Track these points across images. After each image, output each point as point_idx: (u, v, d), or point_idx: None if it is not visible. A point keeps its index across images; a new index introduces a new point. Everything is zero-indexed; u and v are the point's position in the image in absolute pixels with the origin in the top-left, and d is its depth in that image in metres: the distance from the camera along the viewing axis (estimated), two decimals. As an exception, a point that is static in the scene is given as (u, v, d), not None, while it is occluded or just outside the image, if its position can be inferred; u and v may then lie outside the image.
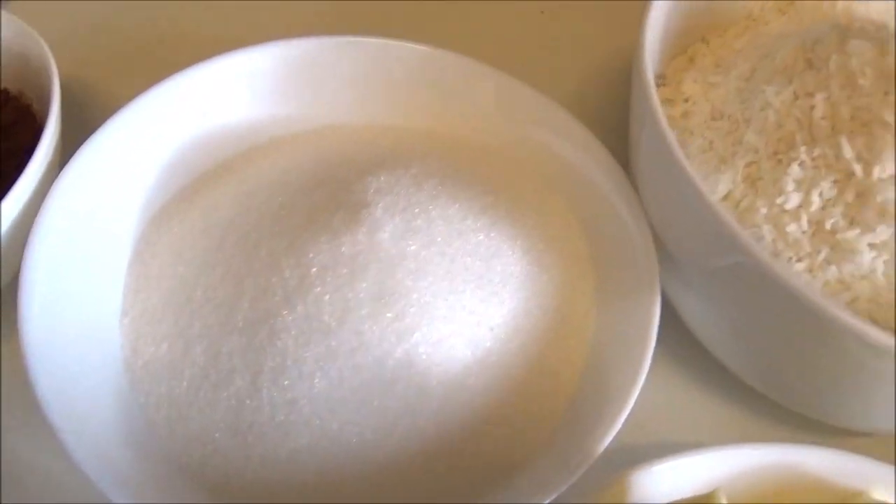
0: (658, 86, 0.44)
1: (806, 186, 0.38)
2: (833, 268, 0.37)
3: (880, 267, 0.37)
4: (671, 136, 0.36)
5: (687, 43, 0.45)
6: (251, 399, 0.37)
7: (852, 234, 0.37)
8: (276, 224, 0.39)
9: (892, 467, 0.36)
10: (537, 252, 0.40)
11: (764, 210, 0.38)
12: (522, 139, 0.43)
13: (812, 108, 0.39)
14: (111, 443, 0.37)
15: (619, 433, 0.35)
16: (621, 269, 0.40)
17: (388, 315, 0.37)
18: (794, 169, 0.38)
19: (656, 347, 0.41)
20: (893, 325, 0.38)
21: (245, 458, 0.37)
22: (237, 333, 0.38)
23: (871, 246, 0.37)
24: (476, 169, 0.42)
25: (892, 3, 0.48)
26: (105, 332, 0.40)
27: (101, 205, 0.41)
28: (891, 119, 0.38)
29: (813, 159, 0.38)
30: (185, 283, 0.40)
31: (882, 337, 0.33)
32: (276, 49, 0.43)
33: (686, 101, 0.43)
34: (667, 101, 0.43)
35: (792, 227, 0.37)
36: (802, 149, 0.38)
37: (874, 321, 0.38)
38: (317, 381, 0.37)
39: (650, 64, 0.38)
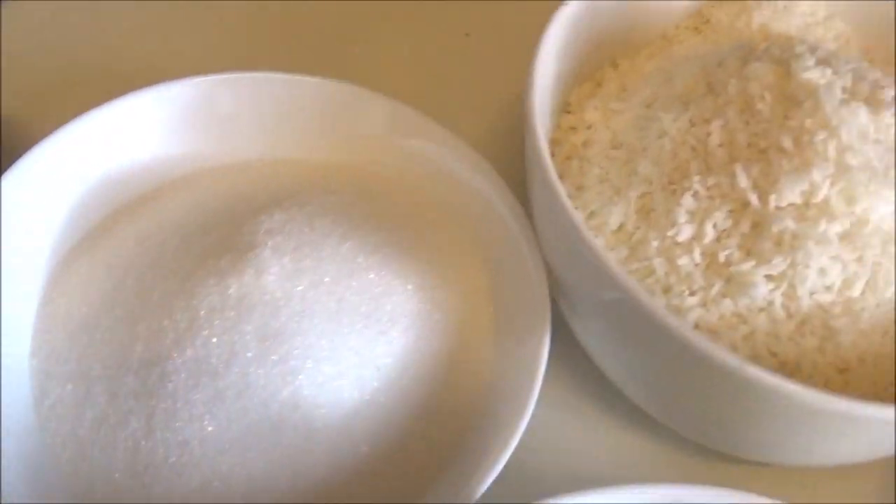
0: (564, 113, 0.43)
1: (699, 217, 0.36)
2: (728, 301, 0.36)
3: (778, 299, 0.36)
4: (551, 170, 0.35)
5: (596, 67, 0.44)
6: (146, 440, 0.37)
7: (747, 266, 0.36)
8: (170, 265, 0.39)
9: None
10: (431, 289, 0.39)
11: (655, 243, 0.37)
12: (425, 171, 0.42)
13: (708, 135, 0.38)
14: (18, 481, 0.37)
15: (521, 465, 0.35)
16: (517, 302, 0.39)
17: (273, 357, 0.36)
18: (687, 199, 0.37)
19: (561, 379, 0.41)
20: (790, 360, 0.37)
21: (144, 497, 0.37)
22: (132, 375, 0.38)
23: (768, 278, 0.36)
24: (377, 203, 0.41)
25: (814, 17, 0.47)
26: (15, 373, 0.41)
27: (13, 244, 0.41)
28: (789, 145, 0.36)
29: (707, 189, 0.37)
30: (88, 324, 0.40)
31: (759, 374, 0.32)
32: (182, 87, 0.43)
33: (588, 128, 0.42)
34: (570, 130, 0.42)
35: (684, 260, 0.36)
36: (696, 178, 0.37)
37: (773, 355, 0.37)
38: (206, 423, 0.37)
39: (538, 97, 0.37)
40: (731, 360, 0.32)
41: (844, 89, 0.39)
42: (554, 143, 0.41)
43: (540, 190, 0.36)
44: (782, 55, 0.39)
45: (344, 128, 0.43)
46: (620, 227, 0.38)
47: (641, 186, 0.38)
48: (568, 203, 0.34)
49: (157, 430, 0.37)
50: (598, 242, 0.37)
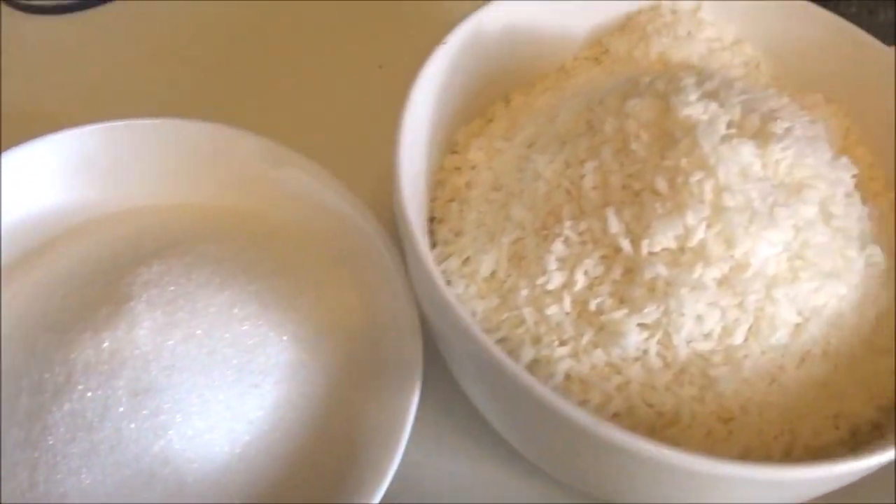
0: (451, 152, 0.42)
1: (570, 264, 0.35)
2: (599, 351, 0.34)
3: (654, 348, 0.34)
4: (412, 225, 0.34)
5: (488, 102, 0.43)
6: (31, 491, 0.37)
7: (619, 314, 0.34)
8: (54, 317, 0.39)
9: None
10: (308, 338, 0.38)
11: (525, 291, 0.35)
12: (311, 214, 0.42)
13: (582, 177, 0.36)
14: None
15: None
16: (393, 344, 0.38)
17: (144, 412, 0.36)
18: (558, 246, 0.35)
19: (439, 419, 0.40)
20: (668, 411, 0.35)
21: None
22: (17, 427, 0.38)
23: (642, 326, 0.34)
24: (260, 249, 0.41)
25: (720, 43, 0.45)
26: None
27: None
28: (663, 187, 0.35)
29: (580, 234, 0.35)
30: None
31: (614, 434, 0.31)
32: (79, 134, 0.43)
33: (472, 168, 0.40)
34: (455, 170, 0.41)
35: (553, 310, 0.35)
36: (568, 223, 0.35)
37: (650, 406, 0.35)
38: (84, 476, 0.37)
39: (405, 154, 0.35)
40: (586, 420, 0.31)
41: (731, 123, 0.37)
42: (438, 184, 0.40)
43: (405, 242, 0.35)
44: (666, 89, 0.37)
45: (232, 171, 0.43)
46: (493, 274, 0.36)
47: (515, 232, 0.36)
48: (427, 257, 0.33)
49: (39, 483, 0.37)
50: (470, 291, 0.36)
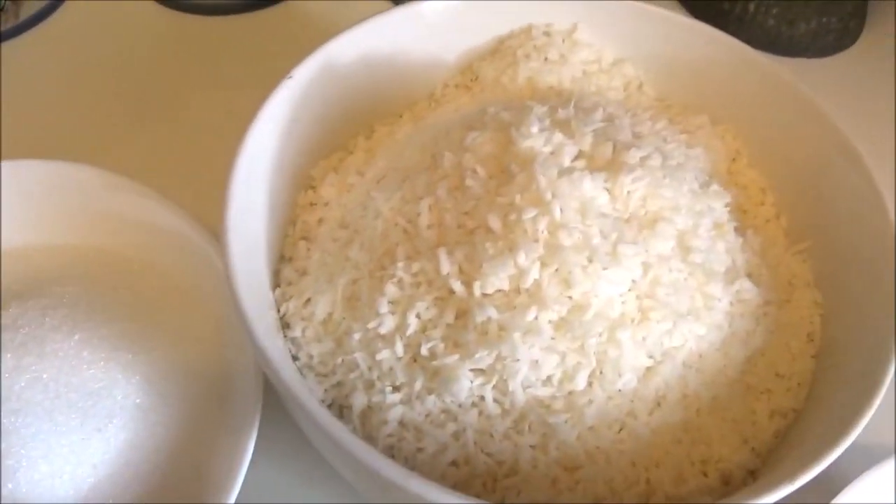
0: (309, 188, 0.40)
1: (403, 307, 0.33)
2: (433, 397, 0.33)
3: (490, 394, 0.33)
4: (236, 277, 0.32)
5: (350, 135, 0.41)
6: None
7: (451, 359, 0.32)
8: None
9: None
10: (159, 380, 0.37)
11: (358, 335, 0.34)
12: (177, 256, 0.41)
13: (418, 215, 0.35)
14: None
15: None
16: (240, 384, 0.37)
17: (-7, 455, 0.36)
18: (390, 288, 0.33)
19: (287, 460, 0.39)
20: (507, 459, 0.33)
21: None
22: None
23: (476, 372, 0.33)
24: (121, 291, 0.40)
25: (598, 65, 0.43)
26: None
27: None
28: (496, 225, 0.33)
29: (413, 275, 0.34)
30: None
31: (426, 489, 0.29)
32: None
33: (326, 205, 0.39)
34: (309, 206, 0.39)
35: (385, 354, 0.33)
36: (401, 264, 0.34)
37: (488, 455, 0.33)
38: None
39: (235, 196, 0.34)
40: (395, 474, 0.29)
41: (581, 154, 0.35)
42: (291, 222, 0.39)
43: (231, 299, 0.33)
44: (511, 120, 0.36)
45: (99, 212, 0.42)
46: (329, 316, 0.35)
47: (351, 272, 0.35)
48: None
49: None
50: (308, 335, 0.35)
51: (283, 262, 0.38)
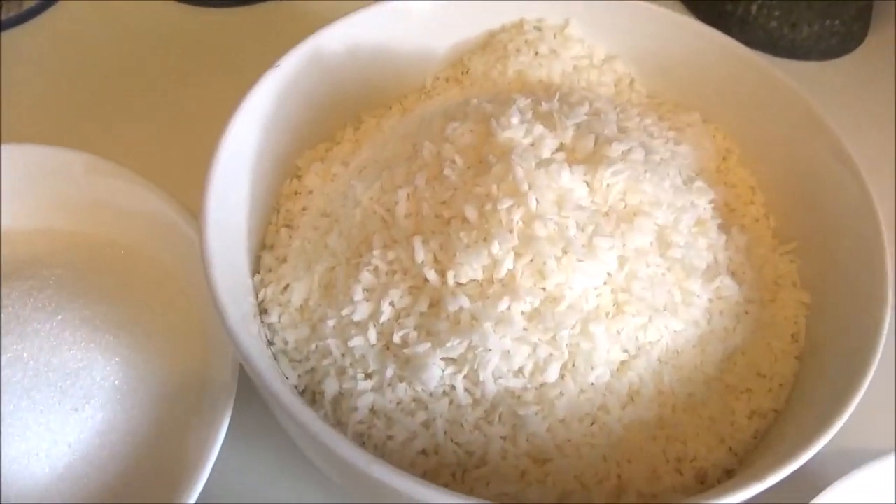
0: (295, 177, 0.40)
1: (377, 295, 0.33)
2: (403, 385, 0.33)
3: (461, 384, 0.33)
4: (212, 264, 0.32)
5: (339, 125, 0.41)
6: None
7: (422, 348, 0.32)
8: None
9: None
10: (138, 362, 0.38)
11: (332, 322, 0.34)
12: (163, 243, 0.41)
13: (396, 204, 0.35)
14: None
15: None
16: (219, 367, 0.37)
17: (-28, 432, 0.36)
18: (366, 275, 0.34)
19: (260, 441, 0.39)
20: (477, 450, 0.33)
21: None
22: None
23: (447, 361, 0.33)
24: (105, 273, 0.40)
25: (589, 61, 0.43)
26: None
27: None
28: (472, 215, 0.33)
29: (389, 263, 0.34)
30: None
31: (386, 474, 0.29)
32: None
33: (310, 193, 0.39)
34: (294, 195, 0.39)
35: (358, 341, 0.33)
36: (377, 252, 0.34)
37: (457, 445, 0.33)
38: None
39: (216, 185, 0.34)
40: (357, 458, 0.29)
41: (562, 147, 0.35)
42: (275, 210, 0.39)
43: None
44: (492, 111, 0.36)
45: (89, 198, 0.42)
46: (305, 303, 0.35)
47: (329, 260, 0.35)
48: (222, 302, 0.32)
49: None
50: (284, 321, 0.35)
51: (264, 250, 0.38)
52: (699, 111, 0.43)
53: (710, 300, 0.36)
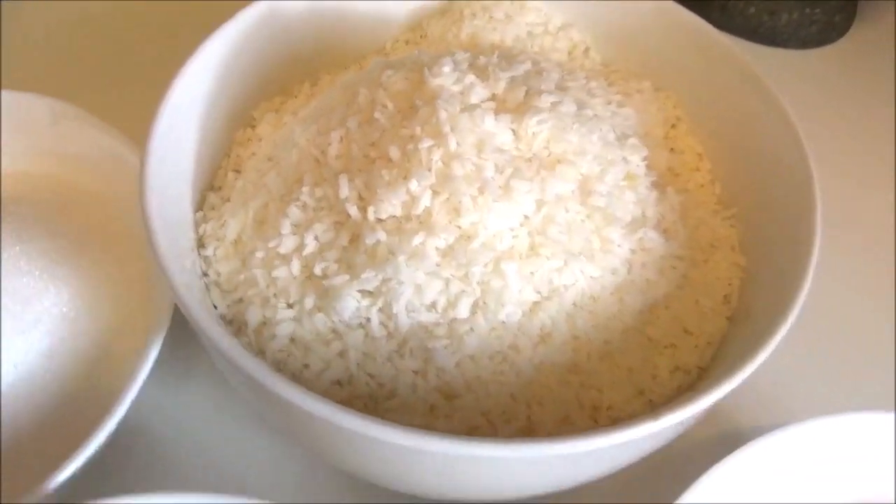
0: (249, 126, 0.42)
1: (303, 229, 0.35)
2: (321, 316, 0.34)
3: (376, 316, 0.34)
4: (147, 197, 0.34)
5: (296, 80, 0.43)
6: None
7: (340, 279, 0.34)
8: None
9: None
10: (88, 295, 0.40)
11: (260, 254, 0.35)
12: (112, 176, 0.43)
13: (329, 145, 0.36)
14: None
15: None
16: (159, 299, 0.39)
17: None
18: (294, 210, 0.35)
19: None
20: (388, 382, 0.34)
21: None
22: None
23: (364, 293, 0.34)
24: (72, 213, 0.43)
25: (544, 27, 0.44)
26: None
27: None
28: (395, 155, 0.34)
29: (317, 200, 0.35)
30: None
31: (287, 390, 0.30)
32: None
33: (260, 141, 0.41)
34: (246, 143, 0.41)
35: (281, 272, 0.35)
36: (305, 189, 0.35)
37: (370, 376, 0.34)
38: None
39: (162, 125, 0.36)
40: (258, 371, 0.30)
41: (494, 98, 0.36)
42: (226, 155, 0.41)
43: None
44: (428, 62, 0.37)
45: (49, 142, 0.45)
46: (239, 237, 0.37)
47: (265, 198, 0.37)
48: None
49: None
50: (218, 254, 0.37)
51: (211, 191, 0.40)
52: (653, 81, 0.44)
53: (633, 251, 0.36)
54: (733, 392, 0.32)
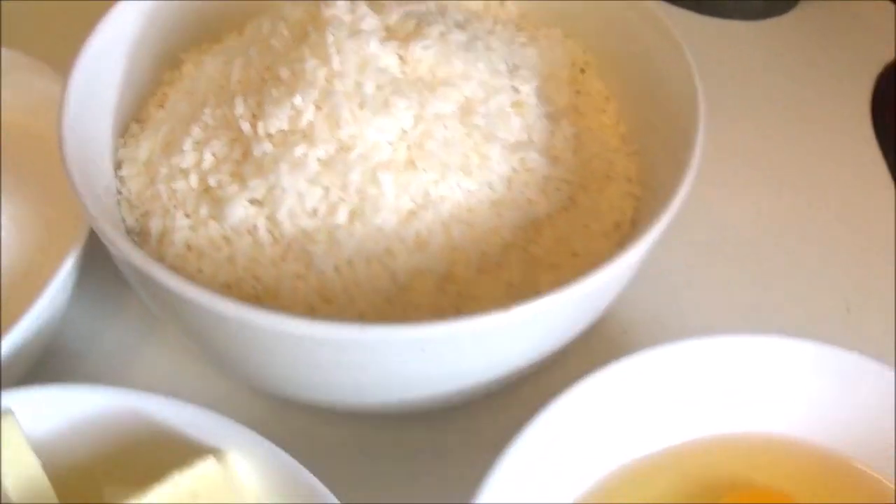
0: (176, 68, 0.45)
1: (203, 146, 0.38)
2: (214, 223, 0.36)
3: (262, 223, 0.36)
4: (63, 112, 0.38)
5: (232, 27, 0.46)
6: None
7: (231, 189, 0.36)
8: None
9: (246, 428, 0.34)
10: (24, 220, 0.43)
11: (164, 170, 0.38)
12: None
13: (232, 71, 0.39)
14: None
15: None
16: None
17: None
18: (195, 129, 0.38)
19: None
20: (272, 285, 0.36)
21: None
22: None
23: (252, 202, 0.36)
24: (19, 152, 0.47)
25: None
26: None
27: None
28: (285, 75, 0.37)
29: (216, 120, 0.38)
30: None
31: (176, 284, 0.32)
32: None
33: (183, 80, 0.44)
34: (172, 82, 0.44)
35: (181, 185, 0.37)
36: (206, 111, 0.38)
37: (256, 279, 0.36)
38: None
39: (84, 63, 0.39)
40: (156, 270, 0.32)
41: (387, 28, 0.39)
42: (152, 93, 0.44)
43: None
44: (327, -1, 0.40)
45: (32, 95, 0.48)
46: (150, 158, 0.40)
47: (174, 122, 0.40)
48: (70, 159, 0.36)
49: None
50: (131, 172, 0.40)
51: (135, 122, 0.43)
52: (566, 30, 0.45)
53: (515, 170, 0.38)
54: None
